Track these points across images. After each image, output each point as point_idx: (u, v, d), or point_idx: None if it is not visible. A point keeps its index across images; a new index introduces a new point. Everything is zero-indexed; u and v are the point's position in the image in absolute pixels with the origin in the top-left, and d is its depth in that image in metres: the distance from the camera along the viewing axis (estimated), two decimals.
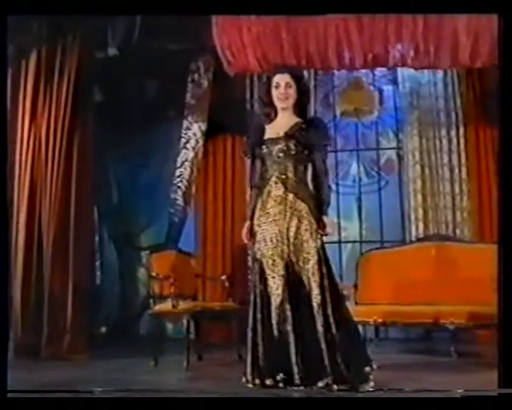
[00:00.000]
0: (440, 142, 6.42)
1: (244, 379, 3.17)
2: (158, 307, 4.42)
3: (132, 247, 6.94)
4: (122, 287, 6.95)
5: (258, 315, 3.21)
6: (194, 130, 6.34)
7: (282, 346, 3.12)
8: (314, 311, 3.15)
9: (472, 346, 5.04)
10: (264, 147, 3.37)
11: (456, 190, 6.30)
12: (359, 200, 6.69)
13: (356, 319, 5.02)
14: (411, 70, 5.97)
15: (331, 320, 3.14)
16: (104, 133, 7.38)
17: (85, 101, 5.41)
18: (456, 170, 6.33)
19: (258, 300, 3.24)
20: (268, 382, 3.05)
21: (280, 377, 3.04)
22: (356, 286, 5.65)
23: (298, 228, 3.25)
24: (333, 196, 6.57)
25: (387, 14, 4.20)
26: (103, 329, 6.50)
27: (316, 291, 3.17)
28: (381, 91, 6.78)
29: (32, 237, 5.14)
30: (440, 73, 6.45)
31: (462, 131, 6.36)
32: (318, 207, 3.33)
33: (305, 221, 3.26)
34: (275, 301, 3.18)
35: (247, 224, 3.42)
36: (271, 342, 3.14)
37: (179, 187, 6.34)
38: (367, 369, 3.13)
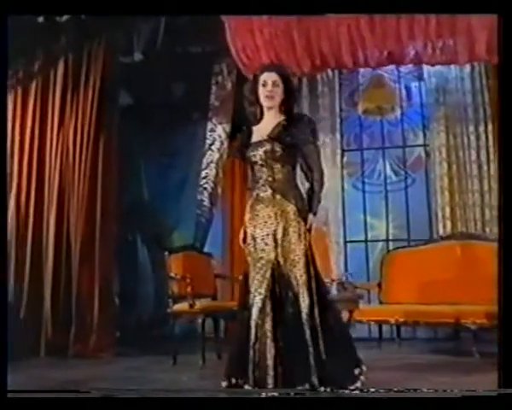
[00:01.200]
0: (468, 138, 6.30)
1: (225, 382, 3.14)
2: (176, 307, 4.51)
3: (162, 248, 7.05)
4: (152, 287, 7.09)
5: (242, 317, 3.18)
6: (218, 131, 6.40)
7: (260, 348, 3.07)
8: (302, 313, 3.09)
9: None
10: (250, 150, 3.31)
11: (485, 187, 6.17)
12: (386, 198, 6.63)
13: (377, 318, 5.13)
14: (437, 66, 5.89)
15: (318, 322, 3.09)
16: (134, 136, 7.63)
17: (110, 105, 5.55)
18: (485, 167, 6.20)
19: (245, 302, 3.20)
20: (239, 382, 3.05)
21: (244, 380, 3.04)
22: (380, 285, 5.64)
23: (286, 230, 3.20)
24: (359, 195, 6.76)
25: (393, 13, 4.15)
26: (131, 327, 6.62)
27: (304, 293, 3.12)
28: (406, 88, 6.71)
29: (61, 239, 5.32)
30: (468, 68, 6.32)
31: (490, 127, 6.22)
32: (308, 207, 3.29)
33: (293, 223, 3.21)
34: (257, 303, 3.12)
35: (243, 227, 3.39)
36: (249, 344, 3.09)
37: (205, 188, 6.42)
38: (356, 371, 3.10)
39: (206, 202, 6.46)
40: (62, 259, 5.27)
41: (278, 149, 3.26)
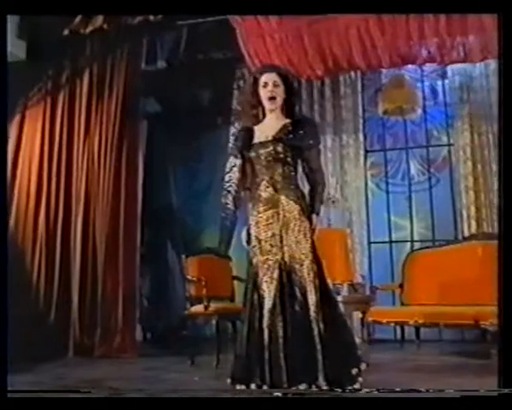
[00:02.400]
0: (493, 136, 6.20)
1: (229, 380, 3.22)
2: (193, 309, 4.62)
3: (189, 250, 7.20)
4: (180, 289, 7.23)
5: (252, 318, 3.21)
6: None
7: (274, 348, 3.11)
8: (310, 311, 3.14)
9: None
10: (252, 151, 3.35)
11: None
12: (410, 199, 6.59)
13: (396, 320, 5.10)
14: (461, 64, 5.84)
15: (323, 321, 3.13)
16: (162, 142, 7.82)
17: (133, 113, 5.71)
18: None
19: (252, 303, 3.24)
20: (252, 385, 3.08)
21: (261, 381, 3.08)
22: (401, 286, 5.60)
23: (291, 230, 3.24)
24: (383, 196, 6.73)
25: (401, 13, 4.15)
26: (160, 329, 6.79)
27: (312, 291, 3.16)
28: (430, 87, 6.65)
29: (87, 244, 5.51)
30: (493, 65, 6.22)
31: None
32: (311, 206, 3.33)
33: (297, 222, 3.24)
34: (267, 304, 3.17)
35: (246, 228, 3.44)
36: (262, 345, 3.13)
37: (229, 191, 6.46)
38: (354, 371, 3.11)
39: (230, 205, 6.52)
40: (89, 263, 5.46)
41: (281, 150, 3.30)
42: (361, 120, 6.71)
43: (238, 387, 3.16)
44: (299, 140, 3.33)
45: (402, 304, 5.55)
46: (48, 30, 5.74)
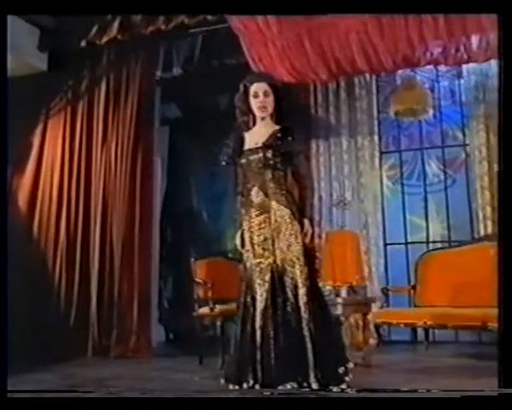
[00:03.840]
0: None
1: (223, 380, 3.33)
2: (200, 310, 4.74)
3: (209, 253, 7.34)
4: None
5: (245, 320, 3.33)
6: None
7: (264, 349, 3.22)
8: (301, 312, 3.22)
9: None
10: (243, 157, 3.47)
11: None
12: (425, 199, 6.57)
13: (405, 321, 5.12)
14: (476, 64, 5.79)
15: (313, 322, 3.21)
16: (184, 146, 8.01)
17: (148, 120, 5.88)
18: None
19: (245, 305, 3.37)
20: (245, 385, 3.18)
21: (253, 381, 3.18)
22: (414, 288, 5.61)
23: (283, 234, 3.34)
24: (399, 197, 6.72)
25: (400, 14, 4.16)
26: (181, 330, 6.95)
27: (302, 293, 3.25)
28: (445, 87, 6.62)
29: (105, 248, 5.71)
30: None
31: None
32: (301, 211, 3.41)
33: (289, 226, 3.34)
34: (259, 305, 3.28)
35: (239, 232, 3.54)
36: (254, 346, 3.24)
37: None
38: (341, 370, 3.18)
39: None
40: (106, 266, 5.65)
41: (271, 156, 3.41)
42: (376, 122, 6.71)
43: (231, 387, 3.28)
44: (288, 146, 3.44)
45: (415, 305, 5.57)
46: (67, 42, 5.98)
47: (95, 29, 5.71)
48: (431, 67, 6.19)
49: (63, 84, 6.17)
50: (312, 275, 3.37)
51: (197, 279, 4.78)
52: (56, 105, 6.15)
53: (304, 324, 3.23)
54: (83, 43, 5.83)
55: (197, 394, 3.24)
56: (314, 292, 3.32)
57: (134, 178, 5.72)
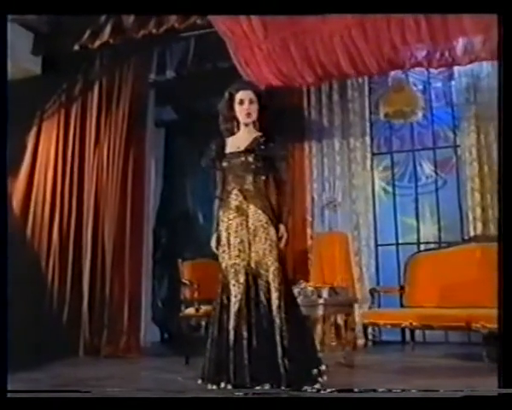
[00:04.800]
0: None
1: (200, 380, 3.40)
2: (187, 311, 4.81)
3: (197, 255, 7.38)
4: None
5: (220, 320, 3.40)
6: None
7: (238, 349, 3.28)
8: (273, 314, 3.30)
9: None
10: (224, 161, 3.54)
11: None
12: (417, 200, 6.61)
13: (392, 322, 5.16)
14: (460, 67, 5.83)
15: (285, 324, 3.28)
16: (180, 148, 8.07)
17: (140, 122, 5.96)
18: None
19: (221, 305, 3.43)
20: (222, 384, 3.24)
21: (226, 381, 3.24)
22: (402, 288, 5.65)
23: (259, 238, 3.41)
24: (391, 198, 6.76)
25: (389, 15, 4.20)
26: (174, 330, 7.01)
27: (275, 296, 3.33)
28: (436, 89, 6.66)
29: (96, 249, 5.79)
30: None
31: None
32: (278, 217, 3.49)
33: (265, 231, 3.42)
34: (233, 306, 3.35)
35: (215, 234, 3.62)
36: (228, 346, 3.30)
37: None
38: (314, 371, 3.23)
39: None
40: (98, 267, 5.73)
41: (252, 160, 3.49)
42: (368, 123, 6.76)
43: (210, 387, 3.34)
44: (269, 151, 3.52)
45: (404, 306, 5.61)
46: (61, 46, 6.06)
47: (87, 33, 5.78)
48: (422, 68, 6.27)
49: (57, 87, 6.26)
50: (286, 280, 3.45)
51: (184, 280, 4.85)
52: (50, 108, 6.24)
53: (276, 326, 3.31)
54: (76, 47, 5.90)
55: (174, 394, 3.29)
56: (287, 296, 3.40)
57: (125, 181, 5.79)
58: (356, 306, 5.88)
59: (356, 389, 3.19)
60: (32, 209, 6.05)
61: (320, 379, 3.23)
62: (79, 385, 3.91)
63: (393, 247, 6.67)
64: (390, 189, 6.77)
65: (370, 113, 6.78)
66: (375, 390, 3.30)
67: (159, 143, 7.98)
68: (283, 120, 6.95)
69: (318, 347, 3.99)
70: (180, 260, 5.01)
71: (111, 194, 5.80)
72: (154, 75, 6.48)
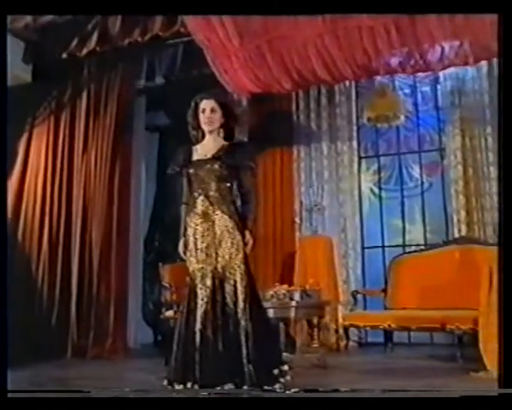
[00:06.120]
0: (486, 140, 6.18)
1: (165, 382, 3.46)
2: (167, 313, 4.91)
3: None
4: None
5: (187, 322, 3.48)
6: None
7: (203, 351, 3.37)
8: (238, 316, 3.40)
9: None
10: (191, 168, 3.64)
11: None
12: (402, 203, 6.66)
13: (371, 324, 5.23)
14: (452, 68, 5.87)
15: (250, 326, 3.38)
16: (173, 152, 8.16)
17: (127, 128, 6.08)
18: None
19: (188, 308, 3.51)
20: (189, 384, 3.32)
21: (193, 381, 3.32)
22: (384, 291, 5.72)
23: (225, 242, 3.51)
24: (377, 202, 6.81)
25: (361, 22, 4.26)
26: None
27: (241, 298, 3.43)
28: (422, 92, 6.71)
29: (84, 254, 5.90)
30: (485, 68, 6.23)
31: None
32: (244, 222, 3.58)
33: (231, 236, 3.52)
34: (200, 309, 3.44)
35: (182, 239, 3.70)
36: (194, 347, 3.39)
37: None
38: (275, 371, 3.31)
39: None
40: (85, 270, 5.84)
41: (218, 168, 3.59)
42: (355, 127, 6.82)
43: (177, 387, 3.43)
44: (234, 160, 3.62)
45: (386, 308, 5.68)
46: (50, 54, 6.19)
47: (75, 41, 5.91)
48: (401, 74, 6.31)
49: (47, 94, 6.39)
50: (251, 283, 3.53)
51: (163, 283, 4.95)
52: (41, 114, 6.37)
53: (241, 328, 3.40)
54: (64, 55, 6.02)
55: (139, 393, 3.38)
56: (252, 298, 3.49)
57: (112, 186, 5.90)
58: (340, 308, 6.01)
59: (320, 389, 3.26)
60: (23, 214, 6.18)
61: (282, 379, 3.31)
62: (55, 384, 4.00)
63: (380, 249, 6.73)
64: (377, 192, 6.83)
65: (357, 117, 6.84)
66: (337, 390, 3.38)
67: (152, 147, 8.11)
68: (272, 124, 7.08)
69: (285, 348, 4.08)
70: (161, 264, 5.11)
71: (98, 199, 5.91)
72: (143, 81, 6.63)
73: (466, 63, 4.63)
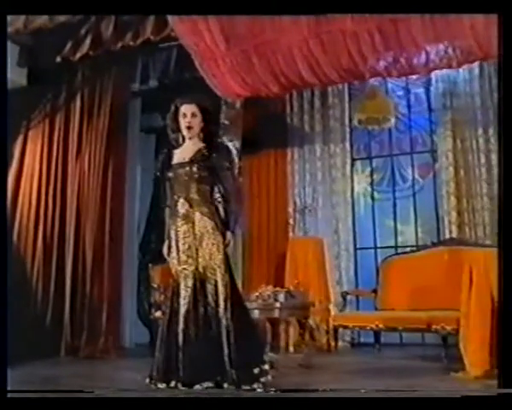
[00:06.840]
0: (477, 141, 6.21)
1: (148, 380, 3.55)
2: (156, 314, 4.97)
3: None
4: None
5: (170, 322, 3.56)
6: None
7: (185, 351, 3.45)
8: (220, 316, 3.47)
9: None
10: (171, 171, 3.71)
11: (495, 191, 6.03)
12: (395, 205, 6.69)
13: (359, 324, 5.27)
14: (444, 70, 5.90)
15: (232, 325, 3.44)
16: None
17: (120, 131, 6.14)
18: (495, 170, 6.07)
19: (171, 309, 3.60)
20: (170, 384, 3.40)
21: (176, 379, 3.40)
22: (375, 292, 5.75)
23: (205, 243, 3.58)
24: (369, 203, 6.85)
25: (344, 27, 4.29)
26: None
27: (222, 299, 3.50)
28: (414, 94, 6.74)
29: (77, 255, 5.97)
30: (476, 70, 6.26)
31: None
32: (225, 223, 3.64)
33: (211, 237, 3.59)
34: (182, 309, 3.52)
35: (166, 241, 3.77)
36: (177, 346, 3.47)
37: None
38: (256, 370, 3.37)
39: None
40: (79, 271, 5.91)
41: (196, 170, 3.67)
42: (348, 129, 6.87)
43: (159, 385, 3.50)
44: (213, 162, 3.70)
45: (376, 309, 5.71)
46: (44, 58, 6.26)
47: (68, 45, 5.97)
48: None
49: (42, 97, 6.46)
50: (232, 283, 3.61)
51: (152, 284, 5.01)
52: (36, 118, 6.44)
53: (222, 327, 3.47)
54: (58, 59, 6.09)
55: (129, 393, 3.43)
56: (233, 298, 3.56)
57: (105, 188, 5.96)
58: (332, 308, 6.05)
59: (296, 389, 3.31)
60: (18, 216, 6.25)
61: (262, 379, 3.36)
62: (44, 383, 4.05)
63: (372, 250, 6.76)
64: (370, 193, 6.86)
65: (350, 119, 6.87)
66: (316, 390, 3.43)
67: (149, 149, 8.17)
68: (266, 126, 7.13)
69: (271, 348, 4.13)
70: (150, 265, 5.17)
71: (92, 201, 5.98)
72: (138, 84, 6.69)
73: (450, 66, 4.65)
